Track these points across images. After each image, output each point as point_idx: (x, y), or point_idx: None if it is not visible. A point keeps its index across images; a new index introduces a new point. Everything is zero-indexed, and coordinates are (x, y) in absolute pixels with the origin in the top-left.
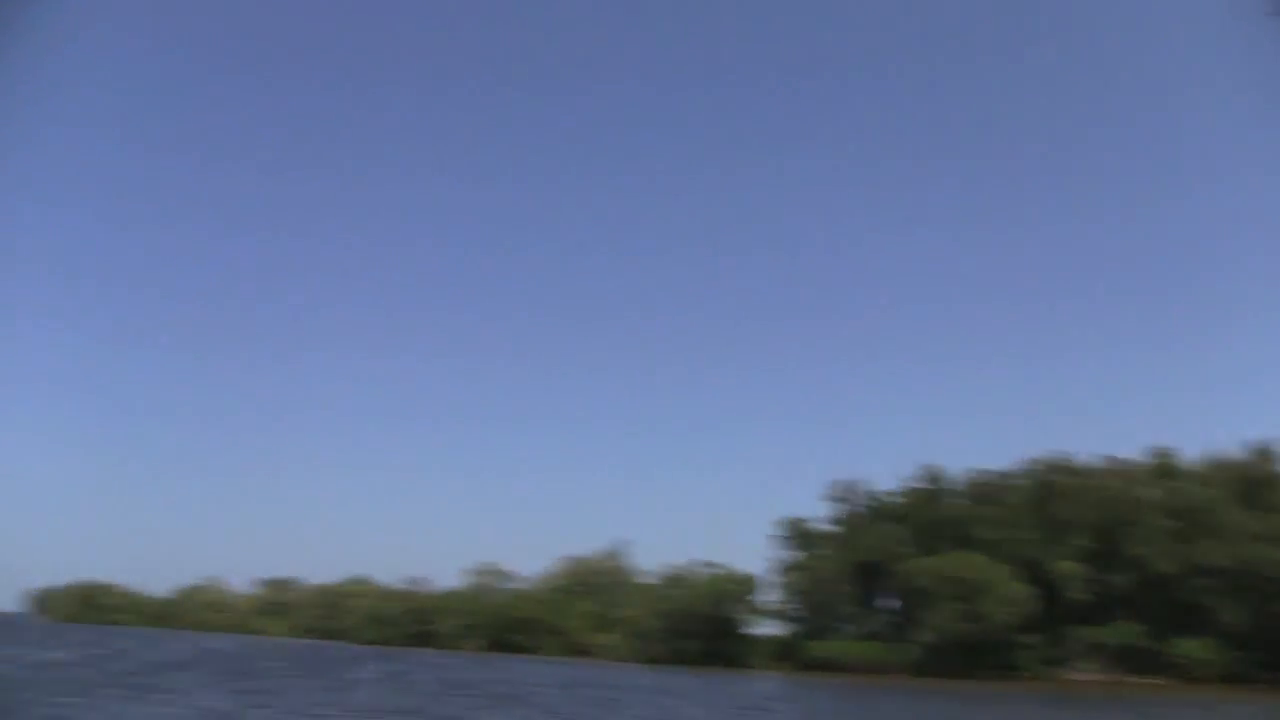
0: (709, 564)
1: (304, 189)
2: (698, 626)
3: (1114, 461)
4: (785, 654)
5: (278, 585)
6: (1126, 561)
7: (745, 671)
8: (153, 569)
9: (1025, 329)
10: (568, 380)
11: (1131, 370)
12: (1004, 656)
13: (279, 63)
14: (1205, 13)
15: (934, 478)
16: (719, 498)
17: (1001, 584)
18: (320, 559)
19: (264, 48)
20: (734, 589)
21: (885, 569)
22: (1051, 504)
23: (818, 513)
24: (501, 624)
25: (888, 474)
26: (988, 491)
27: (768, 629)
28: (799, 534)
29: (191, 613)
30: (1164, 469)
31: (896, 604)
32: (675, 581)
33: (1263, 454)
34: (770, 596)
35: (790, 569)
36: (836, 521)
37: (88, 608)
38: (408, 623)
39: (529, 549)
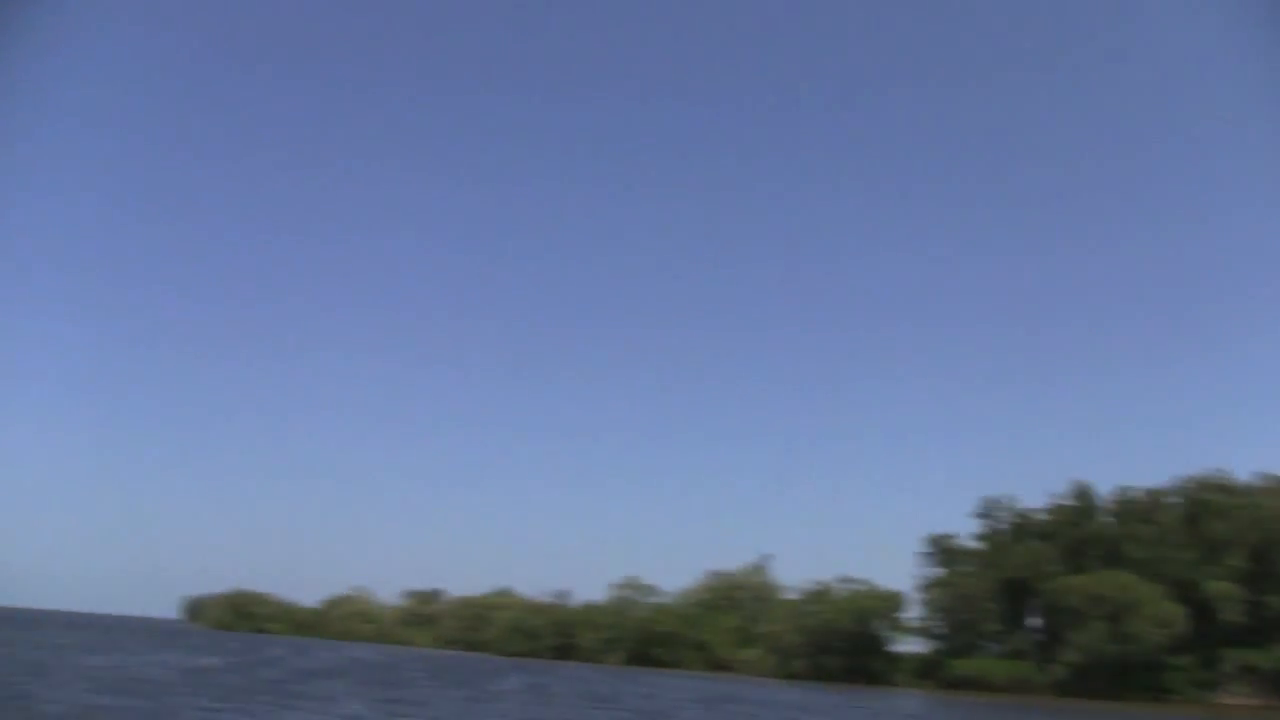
0: (851, 580)
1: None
2: (840, 643)
3: (1271, 479)
4: (928, 671)
5: (423, 596)
6: None
7: (887, 689)
8: (302, 579)
9: (1178, 343)
10: (714, 394)
11: None
12: (1153, 678)
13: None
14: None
15: (1083, 495)
16: (863, 513)
17: (1152, 604)
18: (465, 571)
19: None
20: (877, 605)
21: (1031, 587)
22: (1205, 523)
23: (963, 529)
24: (643, 638)
25: (1035, 491)
26: (1138, 509)
27: (910, 646)
28: (944, 550)
29: (339, 622)
30: None
31: (1042, 622)
32: (818, 597)
33: None
34: (913, 613)
35: (934, 585)
36: (983, 538)
37: (239, 616)
38: (550, 635)
39: (672, 563)
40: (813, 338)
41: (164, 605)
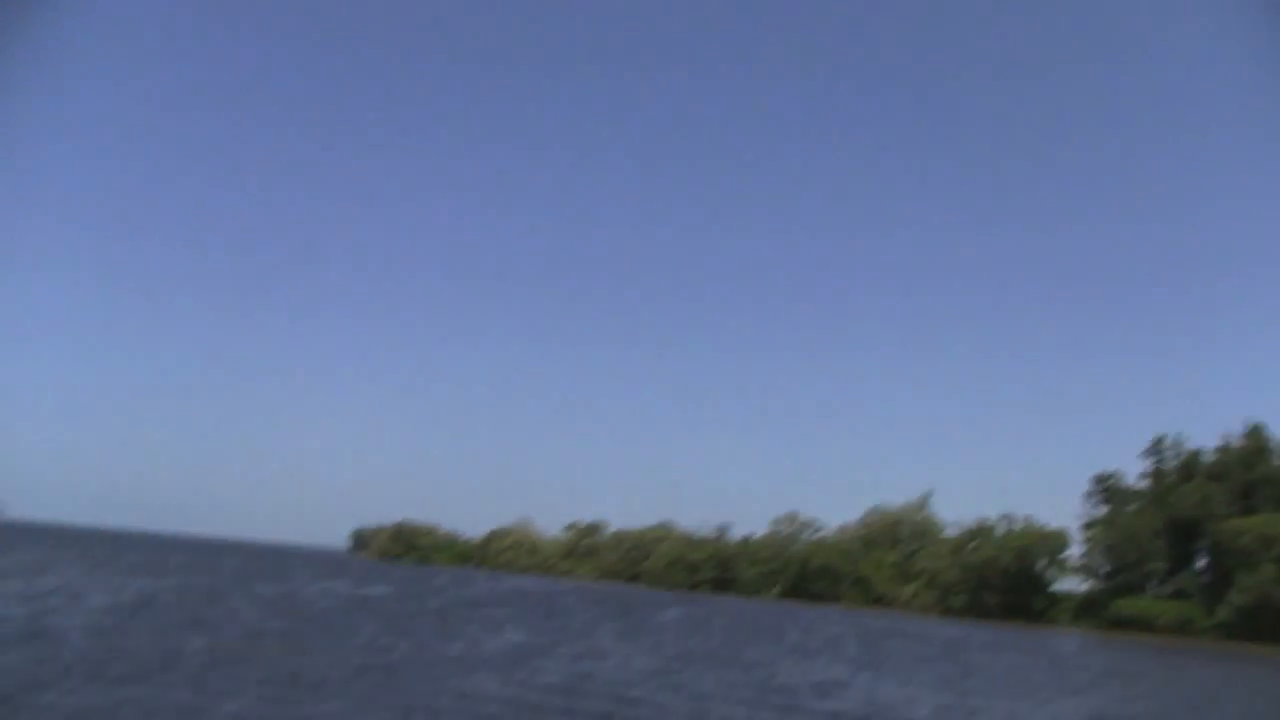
0: (1013, 517)
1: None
2: (1000, 580)
3: None
4: (1089, 611)
5: (584, 529)
6: None
7: (1047, 627)
8: (466, 511)
9: None
10: (877, 327)
11: None
12: None
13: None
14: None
15: (1255, 435)
16: (1027, 450)
17: None
18: (627, 505)
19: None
20: (1039, 543)
21: (1199, 528)
22: None
23: (1130, 469)
24: (802, 573)
25: (1206, 431)
26: None
27: (1072, 585)
28: (1110, 489)
29: (501, 554)
30: None
31: (1208, 564)
32: (979, 534)
33: None
34: (1076, 552)
35: (1099, 524)
36: (1150, 478)
37: (404, 547)
38: (709, 569)
39: (832, 499)
40: (978, 267)
41: (333, 536)
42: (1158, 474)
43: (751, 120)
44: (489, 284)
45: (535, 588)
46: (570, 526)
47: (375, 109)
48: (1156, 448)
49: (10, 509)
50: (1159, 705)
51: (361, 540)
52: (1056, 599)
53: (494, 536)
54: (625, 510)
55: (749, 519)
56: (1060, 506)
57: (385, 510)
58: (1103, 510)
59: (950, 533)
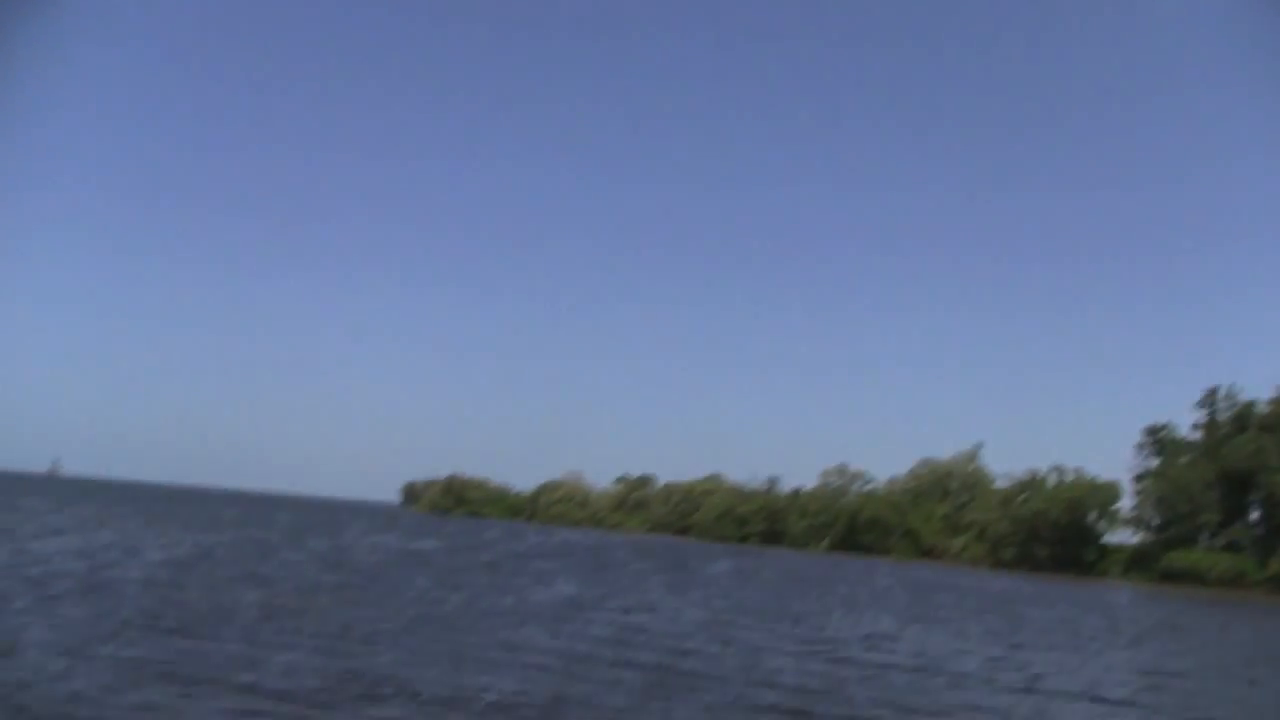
0: (1064, 469)
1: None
2: (1051, 532)
3: None
4: (1140, 563)
5: (634, 482)
6: None
7: (1098, 580)
8: (515, 465)
9: None
10: (929, 282)
11: None
12: None
13: None
14: None
15: None
16: (1078, 402)
17: None
18: (676, 458)
19: None
20: (1090, 495)
21: (1253, 480)
22: None
23: (1182, 420)
24: (851, 525)
25: (1261, 383)
26: None
27: (1123, 537)
28: (1162, 441)
29: (551, 507)
30: None
31: (1261, 516)
32: (1029, 486)
33: None
34: (1127, 504)
35: (1151, 476)
36: (1202, 429)
37: (454, 500)
38: (759, 521)
39: (882, 451)
40: (1029, 221)
41: (384, 491)
42: (1211, 425)
43: (815, 74)
44: (541, 238)
45: (585, 541)
46: (620, 479)
47: (427, 62)
48: (1210, 399)
49: (67, 466)
50: (1212, 659)
51: (412, 494)
52: (1107, 551)
53: (544, 490)
54: (675, 463)
55: (798, 471)
56: (1112, 458)
57: (436, 464)
58: (1154, 462)
59: (1000, 485)
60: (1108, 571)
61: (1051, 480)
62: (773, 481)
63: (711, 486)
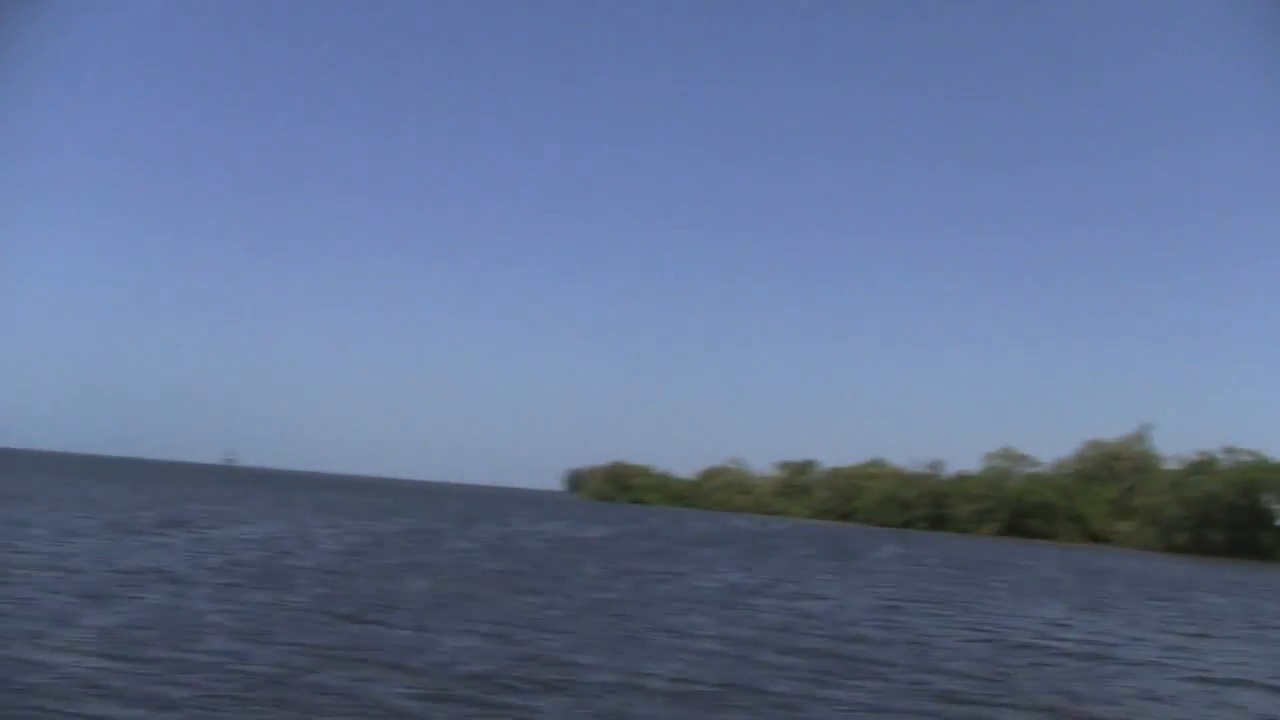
0: (1237, 450)
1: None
2: (1225, 516)
3: None
4: None
5: (797, 467)
6: None
7: (1275, 565)
8: (678, 451)
9: None
10: (1095, 257)
11: None
12: None
13: None
14: None
15: None
16: (1250, 381)
17: None
18: (839, 442)
19: None
20: (1267, 477)
21: None
22: None
23: None
24: (1017, 509)
25: None
26: None
27: None
28: None
29: (714, 493)
30: None
31: None
32: (1202, 468)
33: None
34: None
35: None
36: None
37: (617, 487)
38: (923, 506)
39: (1048, 433)
40: (1190, 187)
41: (548, 478)
42: None
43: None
44: (701, 226)
45: (748, 527)
46: (782, 465)
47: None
48: None
49: (242, 458)
50: None
51: (576, 482)
52: None
53: (706, 476)
54: (837, 448)
55: (963, 455)
56: None
57: (599, 452)
58: None
59: (1171, 466)
60: None
61: (1225, 462)
62: (936, 465)
63: (874, 471)
